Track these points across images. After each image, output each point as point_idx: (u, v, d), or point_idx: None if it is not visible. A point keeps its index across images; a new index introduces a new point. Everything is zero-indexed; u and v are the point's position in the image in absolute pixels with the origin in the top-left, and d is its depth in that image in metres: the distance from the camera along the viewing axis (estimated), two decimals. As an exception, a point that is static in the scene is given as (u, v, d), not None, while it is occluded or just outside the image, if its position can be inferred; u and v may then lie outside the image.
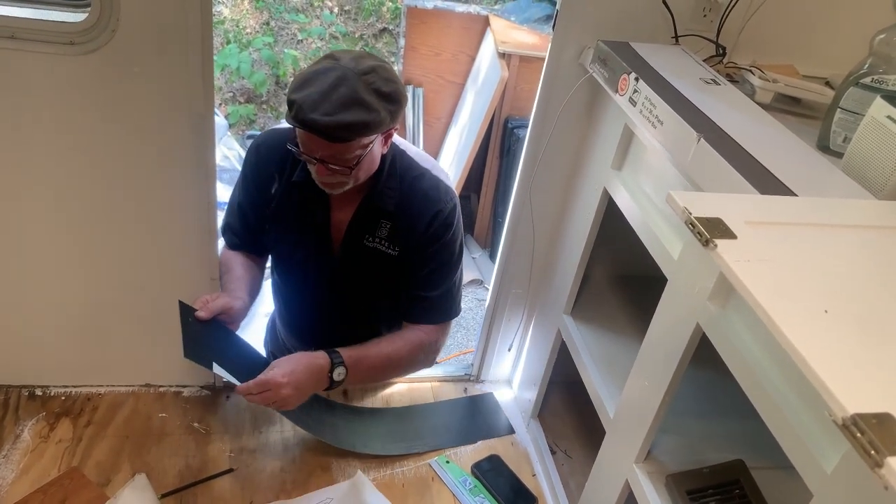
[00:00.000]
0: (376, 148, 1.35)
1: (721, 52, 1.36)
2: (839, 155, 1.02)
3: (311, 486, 1.43)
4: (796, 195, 0.87)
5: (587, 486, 1.28)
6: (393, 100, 1.29)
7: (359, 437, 1.56)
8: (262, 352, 1.92)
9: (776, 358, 0.78)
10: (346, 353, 1.40)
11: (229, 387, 1.64)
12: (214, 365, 1.33)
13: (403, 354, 1.49)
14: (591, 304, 1.53)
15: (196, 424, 1.54)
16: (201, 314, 1.32)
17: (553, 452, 1.61)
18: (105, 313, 1.51)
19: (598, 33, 1.31)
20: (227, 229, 1.56)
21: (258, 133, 1.57)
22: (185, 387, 1.63)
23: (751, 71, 1.27)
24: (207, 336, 1.34)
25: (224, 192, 1.60)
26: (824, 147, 1.08)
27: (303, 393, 1.35)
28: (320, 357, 1.37)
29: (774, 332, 0.63)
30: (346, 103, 1.23)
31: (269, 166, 1.48)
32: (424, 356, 1.54)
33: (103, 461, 1.42)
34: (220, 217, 1.50)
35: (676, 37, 1.34)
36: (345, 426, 1.58)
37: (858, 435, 0.53)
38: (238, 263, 1.52)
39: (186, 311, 1.32)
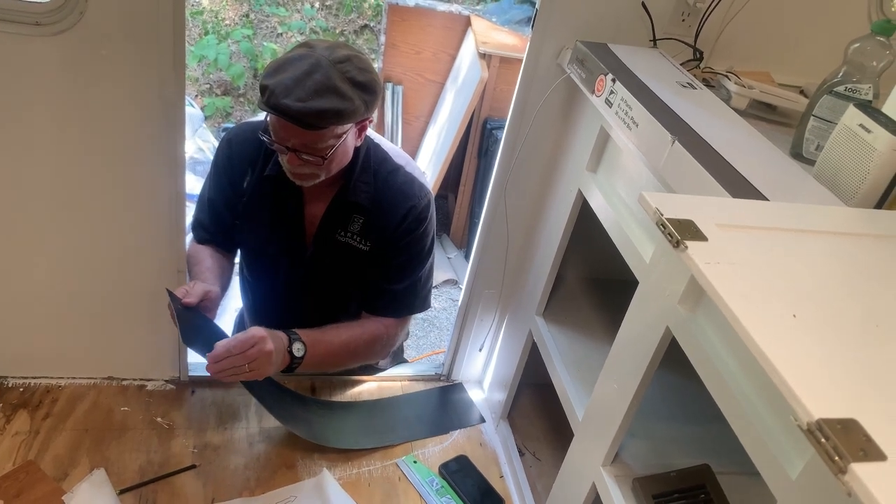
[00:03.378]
0: (350, 139, 1.33)
1: (698, 56, 1.36)
2: (811, 162, 1.02)
3: (276, 484, 1.41)
4: (768, 200, 0.88)
5: (554, 488, 1.27)
6: (368, 89, 1.28)
7: (332, 432, 1.54)
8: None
9: (744, 362, 0.78)
10: (303, 333, 1.39)
11: (195, 381, 1.61)
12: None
13: (361, 343, 1.48)
14: (563, 306, 1.52)
15: (159, 419, 1.51)
16: (189, 300, 1.29)
17: (521, 454, 1.60)
18: (68, 304, 1.47)
19: (576, 34, 1.30)
20: (198, 225, 1.53)
21: (233, 126, 1.55)
22: (149, 380, 1.59)
23: (727, 76, 1.27)
24: (195, 323, 1.32)
25: (198, 185, 1.57)
26: (797, 154, 1.09)
27: (276, 361, 1.31)
28: (281, 332, 1.35)
29: (742, 335, 0.63)
30: (320, 90, 1.21)
31: (241, 160, 1.46)
32: (381, 348, 1.54)
33: (61, 455, 1.39)
34: (189, 209, 1.47)
35: (655, 40, 1.34)
36: (318, 421, 1.56)
37: (823, 440, 0.53)
38: (207, 255, 1.49)
39: (175, 299, 1.29)
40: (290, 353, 1.35)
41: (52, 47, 1.17)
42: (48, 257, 1.41)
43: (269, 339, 1.29)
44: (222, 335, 1.36)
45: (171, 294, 1.29)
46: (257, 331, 1.29)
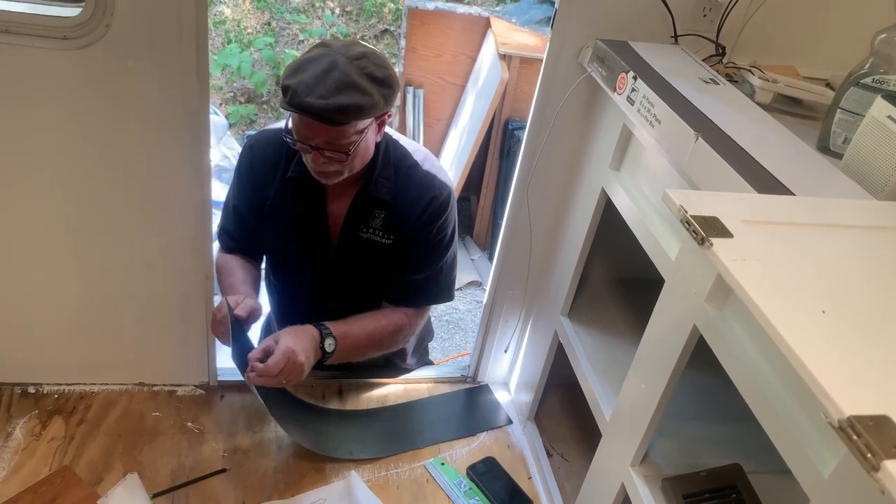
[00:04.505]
0: (370, 135, 1.35)
1: (721, 51, 1.35)
2: (839, 156, 1.01)
3: (305, 487, 1.42)
4: (794, 195, 0.86)
5: (583, 489, 1.27)
6: (386, 84, 1.30)
7: (356, 444, 1.54)
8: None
9: (773, 360, 0.77)
10: (333, 326, 1.42)
11: (224, 386, 1.63)
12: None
13: (386, 334, 1.50)
14: (589, 306, 1.51)
15: (190, 424, 1.53)
16: (239, 313, 1.33)
17: (549, 455, 1.60)
18: (99, 311, 1.50)
19: (596, 32, 1.30)
20: (223, 233, 1.56)
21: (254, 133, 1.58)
22: (179, 386, 1.61)
23: (750, 71, 1.26)
24: (235, 335, 1.35)
25: (223, 192, 1.59)
26: (824, 148, 1.07)
27: (309, 363, 1.35)
28: (311, 329, 1.39)
29: (770, 332, 0.62)
30: (340, 87, 1.24)
31: (263, 164, 1.48)
32: (403, 337, 1.56)
33: (95, 460, 1.41)
34: (216, 216, 1.49)
35: (676, 36, 1.33)
36: (342, 434, 1.57)
37: (855, 437, 0.52)
38: (239, 267, 1.51)
39: (230, 308, 1.32)
40: (322, 348, 1.37)
41: (80, 60, 1.19)
42: (79, 267, 1.43)
43: (301, 353, 1.31)
44: (251, 348, 1.38)
45: (228, 304, 1.33)
46: (288, 346, 1.31)
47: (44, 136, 1.27)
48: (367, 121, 1.32)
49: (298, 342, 1.33)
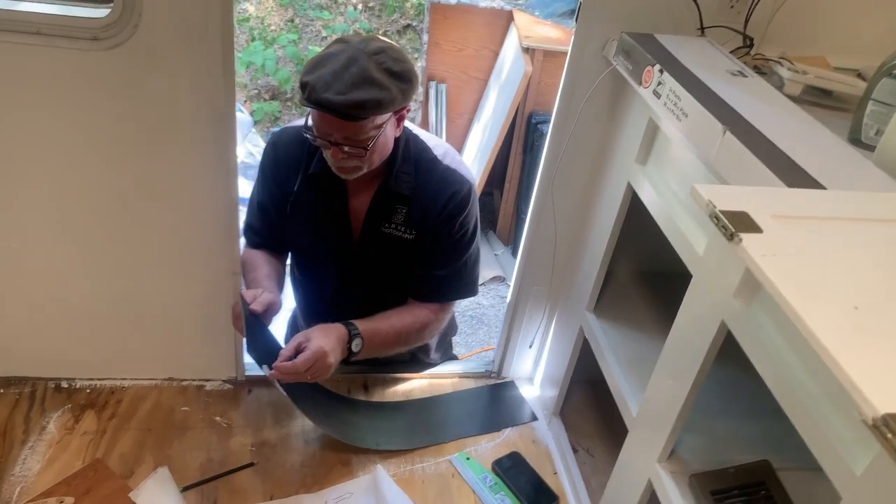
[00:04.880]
0: (389, 130, 1.36)
1: (749, 43, 1.33)
2: (871, 148, 0.99)
3: (332, 481, 1.43)
4: (825, 188, 0.85)
5: (609, 484, 1.26)
6: (404, 78, 1.30)
7: (382, 435, 1.55)
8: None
9: (804, 356, 0.76)
10: (361, 325, 1.43)
11: (251, 381, 1.65)
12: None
13: (412, 331, 1.52)
14: (615, 301, 1.51)
15: (218, 418, 1.55)
16: (256, 307, 1.34)
17: (575, 451, 1.59)
18: (129, 308, 1.52)
19: (621, 25, 1.29)
20: (248, 229, 1.58)
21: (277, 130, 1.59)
22: (207, 381, 1.64)
23: (779, 63, 1.24)
24: (255, 330, 1.37)
25: (249, 189, 1.61)
26: (856, 140, 1.05)
27: (336, 363, 1.37)
28: (340, 328, 1.40)
29: (802, 329, 0.61)
30: (358, 82, 1.25)
31: (286, 161, 1.49)
32: (428, 333, 1.57)
33: (127, 453, 1.44)
34: (242, 213, 1.50)
35: (702, 28, 1.31)
36: (368, 425, 1.58)
37: (889, 436, 0.51)
38: (263, 262, 1.53)
39: (245, 304, 1.34)
40: (349, 348, 1.39)
41: (109, 60, 1.21)
42: (109, 264, 1.46)
43: (330, 354, 1.33)
44: (277, 346, 1.40)
45: (243, 299, 1.34)
46: (318, 344, 1.32)
47: (75, 136, 1.29)
48: (386, 116, 1.32)
49: (329, 342, 1.34)
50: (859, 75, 1.28)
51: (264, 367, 1.34)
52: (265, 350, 1.37)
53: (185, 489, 1.38)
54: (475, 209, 1.52)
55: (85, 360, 1.58)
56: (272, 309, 1.39)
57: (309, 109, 1.33)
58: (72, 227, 1.41)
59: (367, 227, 1.49)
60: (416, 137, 1.48)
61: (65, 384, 1.58)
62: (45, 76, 1.22)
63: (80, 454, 1.42)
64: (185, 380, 1.63)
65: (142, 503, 1.31)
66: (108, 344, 1.57)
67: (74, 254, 1.44)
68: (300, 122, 1.43)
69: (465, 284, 1.57)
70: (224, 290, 1.48)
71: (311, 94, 1.26)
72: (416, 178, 1.45)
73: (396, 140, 1.42)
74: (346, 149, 1.32)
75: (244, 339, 1.38)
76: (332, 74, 1.25)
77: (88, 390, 1.58)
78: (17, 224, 1.38)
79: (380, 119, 1.31)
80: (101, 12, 1.18)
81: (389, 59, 1.29)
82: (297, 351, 1.33)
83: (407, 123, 1.45)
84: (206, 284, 1.48)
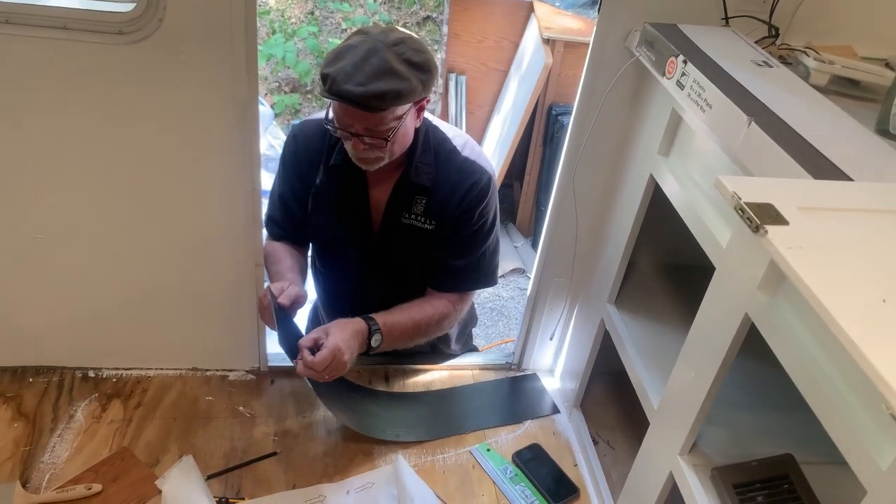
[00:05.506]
0: (409, 121, 1.36)
1: (774, 33, 1.31)
2: (900, 139, 0.97)
3: (353, 471, 1.45)
4: (852, 180, 0.84)
5: (630, 477, 1.26)
6: (424, 69, 1.31)
7: (403, 426, 1.56)
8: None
9: (829, 349, 0.76)
10: (381, 319, 1.44)
11: (274, 371, 1.66)
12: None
13: (432, 322, 1.53)
14: (636, 294, 1.50)
15: (241, 408, 1.57)
16: (283, 301, 1.36)
17: (595, 443, 1.59)
18: (155, 299, 1.54)
19: (644, 16, 1.27)
20: (270, 221, 1.59)
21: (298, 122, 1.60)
22: (230, 371, 1.66)
23: (805, 52, 1.22)
24: (282, 322, 1.38)
25: (270, 181, 1.62)
26: (884, 131, 1.03)
27: (353, 357, 1.39)
28: (360, 323, 1.41)
29: (828, 321, 0.61)
30: (378, 73, 1.25)
31: (307, 153, 1.50)
32: (448, 324, 1.58)
33: (152, 442, 1.46)
34: (264, 205, 1.52)
35: (727, 18, 1.30)
36: (389, 415, 1.59)
37: (918, 430, 0.51)
38: (286, 254, 1.55)
39: (273, 297, 1.36)
40: (368, 343, 1.41)
41: (134, 54, 1.22)
42: (135, 255, 1.48)
43: (346, 352, 1.35)
44: (299, 335, 1.41)
45: (271, 292, 1.36)
46: (334, 342, 1.34)
47: (100, 129, 1.31)
48: (406, 106, 1.33)
49: (345, 338, 1.36)
50: (887, 65, 1.26)
51: (295, 360, 1.36)
52: (294, 343, 1.39)
53: (209, 477, 1.40)
54: (495, 199, 1.52)
55: (111, 350, 1.61)
56: (298, 302, 1.41)
57: (329, 102, 1.34)
58: (96, 219, 1.43)
59: (387, 217, 1.50)
60: (435, 129, 1.48)
61: (92, 373, 1.61)
62: (70, 70, 1.24)
63: (107, 442, 1.45)
64: (209, 370, 1.65)
65: (168, 491, 1.33)
66: (134, 334, 1.59)
67: (100, 245, 1.46)
68: (320, 114, 1.43)
69: (484, 274, 1.57)
70: (247, 281, 1.50)
71: (331, 86, 1.26)
72: (435, 169, 1.46)
73: (416, 131, 1.43)
74: (366, 140, 1.33)
75: (275, 332, 1.39)
76: (352, 66, 1.26)
77: (115, 380, 1.60)
78: (42, 216, 1.41)
79: (400, 110, 1.32)
80: (126, 7, 1.19)
81: (409, 49, 1.30)
82: (317, 343, 1.34)
83: (427, 114, 1.46)
84: (230, 276, 1.50)
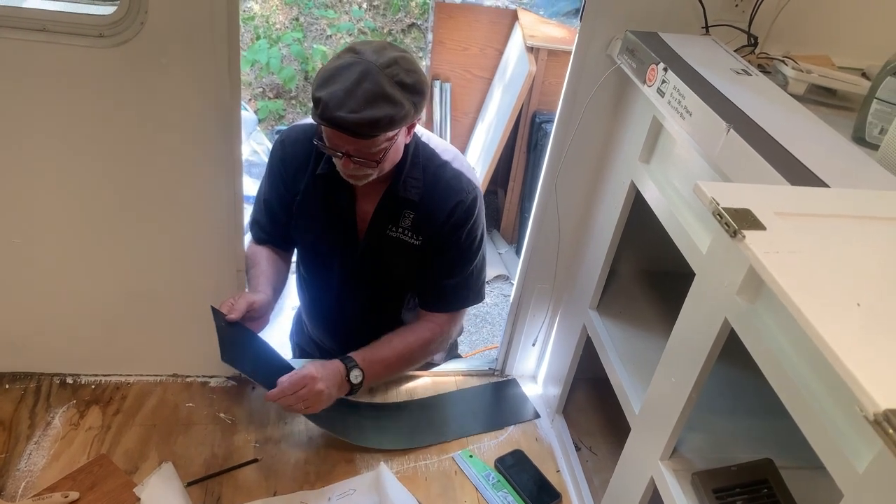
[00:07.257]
0: (400, 139, 1.35)
1: (753, 42, 1.33)
2: (875, 147, 0.99)
3: (335, 478, 1.44)
4: (829, 186, 0.85)
5: (612, 482, 1.27)
6: (416, 91, 1.29)
7: (386, 435, 1.56)
8: (289, 345, 1.93)
9: (806, 353, 0.76)
10: (358, 356, 1.44)
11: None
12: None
13: (416, 349, 1.52)
14: (618, 300, 1.51)
15: (222, 415, 1.56)
16: (232, 316, 1.34)
17: (577, 448, 1.60)
18: (134, 304, 1.53)
19: (626, 24, 1.29)
20: (255, 224, 1.58)
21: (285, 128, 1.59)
22: (211, 377, 1.64)
23: (783, 61, 1.24)
24: (240, 340, 1.37)
25: (253, 187, 1.61)
26: (860, 139, 1.05)
27: (331, 394, 1.38)
28: (336, 363, 1.41)
29: (804, 325, 0.61)
30: (371, 99, 1.23)
31: (294, 160, 1.49)
32: (436, 346, 1.57)
33: (131, 449, 1.45)
34: (248, 211, 1.51)
35: (707, 27, 1.31)
36: (371, 425, 1.58)
37: (891, 431, 0.52)
38: (263, 258, 1.53)
39: (218, 315, 1.34)
40: (349, 381, 1.41)
41: (115, 57, 1.21)
42: (114, 260, 1.46)
43: (320, 380, 1.34)
44: (267, 352, 1.40)
45: (214, 311, 1.33)
46: (309, 371, 1.34)
47: (80, 132, 1.30)
48: (398, 129, 1.31)
49: (319, 370, 1.36)
50: (863, 74, 1.28)
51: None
52: (262, 363, 1.38)
53: (189, 484, 1.38)
54: (481, 217, 1.52)
55: (90, 356, 1.59)
56: (255, 309, 1.37)
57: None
58: (76, 224, 1.41)
59: (372, 229, 1.49)
60: (425, 145, 1.48)
61: (70, 380, 1.59)
62: (50, 73, 1.22)
63: (85, 449, 1.43)
64: (190, 376, 1.64)
65: (146, 498, 1.32)
66: (113, 340, 1.58)
67: (79, 250, 1.44)
68: (308, 120, 1.42)
69: (474, 292, 1.58)
70: (229, 286, 1.49)
71: (324, 112, 1.24)
72: (423, 184, 1.45)
73: (406, 146, 1.42)
74: (356, 159, 1.32)
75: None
76: (344, 92, 1.23)
77: (93, 386, 1.58)
78: (21, 220, 1.39)
79: (392, 133, 1.30)
80: (107, 9, 1.19)
81: (402, 70, 1.27)
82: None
83: (418, 127, 1.45)
84: (211, 281, 1.49)
